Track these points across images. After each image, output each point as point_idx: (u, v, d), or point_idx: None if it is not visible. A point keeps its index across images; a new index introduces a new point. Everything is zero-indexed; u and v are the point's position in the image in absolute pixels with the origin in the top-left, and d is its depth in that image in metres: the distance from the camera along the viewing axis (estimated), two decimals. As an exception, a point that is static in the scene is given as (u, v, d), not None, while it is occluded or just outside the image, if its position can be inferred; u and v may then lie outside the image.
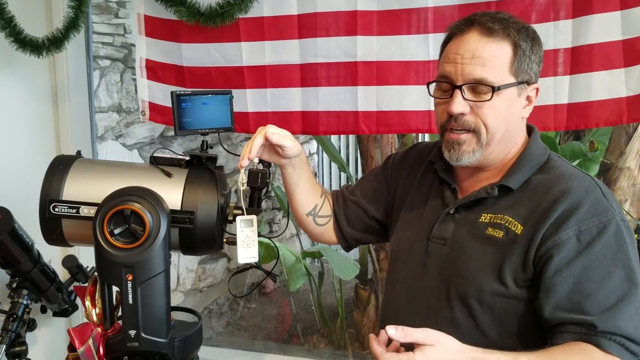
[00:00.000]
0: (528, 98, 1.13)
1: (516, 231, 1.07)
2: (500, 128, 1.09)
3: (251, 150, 1.18)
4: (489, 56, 1.07)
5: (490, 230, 1.10)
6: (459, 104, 1.08)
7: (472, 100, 1.08)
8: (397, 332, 0.93)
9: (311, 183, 1.38)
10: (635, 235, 1.47)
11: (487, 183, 1.15)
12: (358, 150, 4.44)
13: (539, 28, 1.59)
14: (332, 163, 5.15)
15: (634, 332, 1.01)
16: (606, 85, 1.55)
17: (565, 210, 1.04)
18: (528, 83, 1.11)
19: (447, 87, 1.11)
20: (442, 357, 0.93)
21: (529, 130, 1.19)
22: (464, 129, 1.10)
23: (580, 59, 1.57)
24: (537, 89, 1.14)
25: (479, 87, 1.07)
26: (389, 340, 1.00)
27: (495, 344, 1.03)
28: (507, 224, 1.08)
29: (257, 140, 1.18)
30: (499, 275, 1.07)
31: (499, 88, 1.06)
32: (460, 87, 1.08)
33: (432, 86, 1.17)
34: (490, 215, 1.11)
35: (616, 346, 1.00)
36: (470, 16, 1.12)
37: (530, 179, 1.11)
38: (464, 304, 1.10)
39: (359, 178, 3.98)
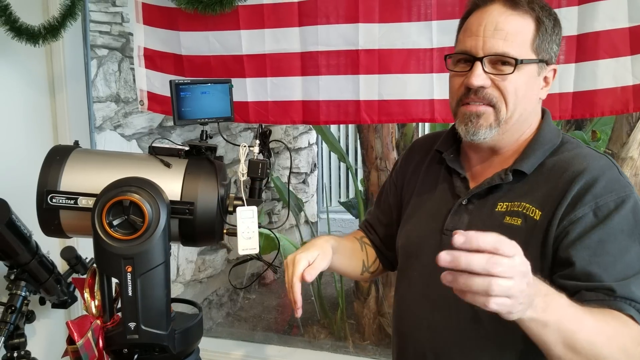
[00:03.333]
0: (545, 79, 1.10)
1: (535, 217, 1.03)
2: (519, 106, 1.06)
3: (297, 300, 1.11)
4: (512, 29, 1.03)
5: (507, 219, 1.05)
6: (480, 77, 1.04)
7: (493, 73, 1.04)
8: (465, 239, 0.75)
9: (350, 251, 1.32)
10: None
11: (500, 169, 1.11)
12: (358, 141, 4.42)
13: (544, 15, 1.58)
14: (332, 153, 5.13)
15: None
16: (612, 73, 1.52)
17: (582, 188, 1.00)
18: (547, 63, 1.07)
19: (466, 59, 1.07)
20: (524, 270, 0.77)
21: (542, 113, 1.15)
22: (484, 102, 1.05)
23: (586, 47, 1.55)
24: (555, 70, 1.11)
25: (504, 61, 1.03)
26: None
27: (520, 337, 0.93)
28: (524, 211, 1.04)
29: (296, 287, 1.10)
30: None
31: (522, 61, 1.02)
32: (481, 60, 1.03)
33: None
34: (507, 203, 1.07)
35: (634, 311, 0.94)
36: None
37: (544, 162, 1.07)
38: None
39: (358, 168, 3.94)
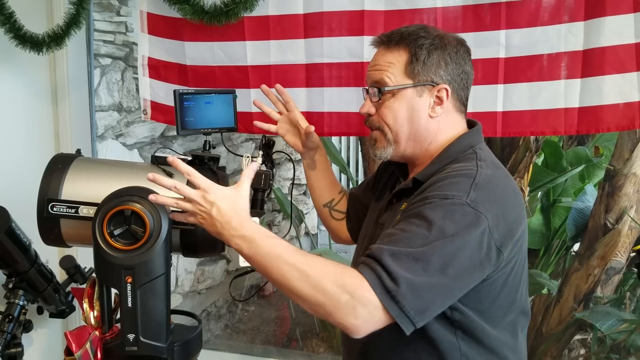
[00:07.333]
0: (439, 98, 1.21)
1: None
2: (402, 127, 1.22)
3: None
4: (386, 63, 1.22)
5: (399, 216, 1.18)
6: (365, 106, 1.26)
7: (375, 101, 1.24)
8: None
9: (330, 179, 1.57)
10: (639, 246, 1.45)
11: None
12: (359, 152, 4.41)
13: (549, 30, 1.58)
14: (333, 165, 5.13)
15: (399, 275, 0.99)
16: (618, 89, 1.52)
17: (427, 185, 1.13)
18: (433, 84, 1.19)
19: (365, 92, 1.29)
20: (228, 192, 1.10)
21: (473, 125, 1.27)
22: (373, 128, 1.26)
23: (592, 62, 1.54)
24: (447, 90, 1.20)
25: (379, 91, 1.22)
26: None
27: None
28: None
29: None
30: None
31: (385, 89, 1.21)
32: (367, 91, 1.26)
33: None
34: (407, 203, 1.20)
35: (364, 267, 1.02)
36: (381, 34, 1.27)
37: (437, 171, 1.17)
38: None
39: (360, 180, 3.97)
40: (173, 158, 1.17)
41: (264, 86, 1.56)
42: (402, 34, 1.22)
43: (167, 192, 1.19)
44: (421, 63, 1.19)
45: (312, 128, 1.48)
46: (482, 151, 1.20)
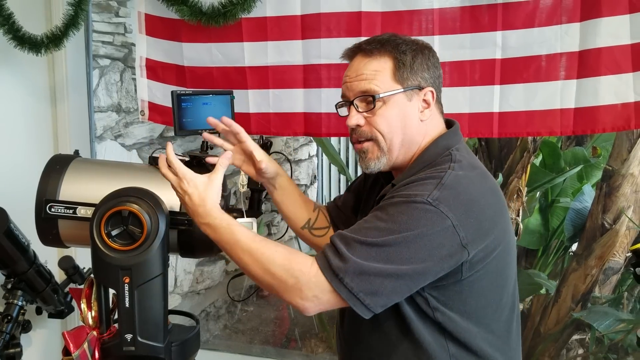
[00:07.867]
0: (425, 101, 1.21)
1: None
2: (396, 134, 1.20)
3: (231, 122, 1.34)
4: (371, 71, 1.19)
5: None
6: (353, 117, 1.22)
7: (365, 111, 1.20)
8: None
9: (300, 201, 1.46)
10: (637, 245, 1.45)
11: None
12: (358, 154, 4.39)
13: (546, 31, 1.59)
14: (332, 165, 5.13)
15: (348, 257, 1.05)
16: (614, 89, 1.52)
17: (398, 186, 1.15)
18: (420, 88, 1.20)
19: (347, 105, 1.25)
20: (201, 182, 1.17)
21: (450, 124, 1.26)
22: (364, 139, 1.22)
23: (588, 63, 1.55)
24: (432, 92, 1.22)
25: (367, 99, 1.19)
26: None
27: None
28: None
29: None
30: None
31: (379, 96, 1.18)
32: (352, 102, 1.21)
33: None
34: None
35: (320, 253, 1.09)
36: (356, 44, 1.26)
37: (420, 171, 1.19)
38: None
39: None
40: (167, 150, 1.26)
41: (210, 119, 1.38)
42: (381, 41, 1.21)
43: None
44: (408, 68, 1.19)
45: (264, 164, 1.35)
46: (458, 152, 1.20)
